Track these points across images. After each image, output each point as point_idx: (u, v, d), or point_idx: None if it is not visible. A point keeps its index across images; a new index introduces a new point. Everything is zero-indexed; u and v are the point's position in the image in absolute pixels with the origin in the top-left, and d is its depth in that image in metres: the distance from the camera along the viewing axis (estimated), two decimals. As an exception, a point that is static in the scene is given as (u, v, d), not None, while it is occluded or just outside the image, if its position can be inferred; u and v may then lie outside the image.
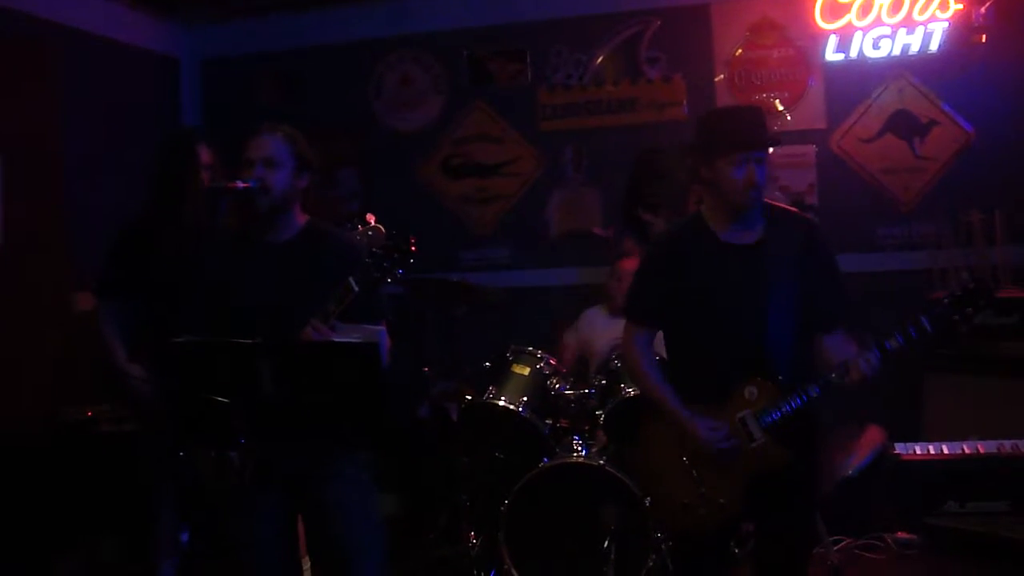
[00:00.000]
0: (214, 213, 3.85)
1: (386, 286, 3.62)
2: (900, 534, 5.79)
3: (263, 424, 3.22)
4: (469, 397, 5.55)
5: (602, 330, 5.83)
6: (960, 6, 6.43)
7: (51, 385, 5.95)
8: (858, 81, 6.77)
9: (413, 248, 3.50)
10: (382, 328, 3.68)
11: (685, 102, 7.05)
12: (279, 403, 3.20)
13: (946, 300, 3.58)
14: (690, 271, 3.77)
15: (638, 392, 5.11)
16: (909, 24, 6.56)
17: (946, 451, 4.41)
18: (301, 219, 3.77)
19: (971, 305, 3.55)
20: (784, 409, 3.63)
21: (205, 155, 4.75)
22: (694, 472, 3.77)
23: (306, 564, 4.46)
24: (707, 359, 3.77)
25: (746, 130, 3.66)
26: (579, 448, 5.22)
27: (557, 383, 5.47)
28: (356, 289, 3.44)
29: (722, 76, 7.01)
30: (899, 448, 4.64)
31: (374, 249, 3.51)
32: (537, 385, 5.46)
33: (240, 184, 3.57)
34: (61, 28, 6.53)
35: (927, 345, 3.60)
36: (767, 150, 3.69)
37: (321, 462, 3.63)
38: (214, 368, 3.26)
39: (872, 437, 5.92)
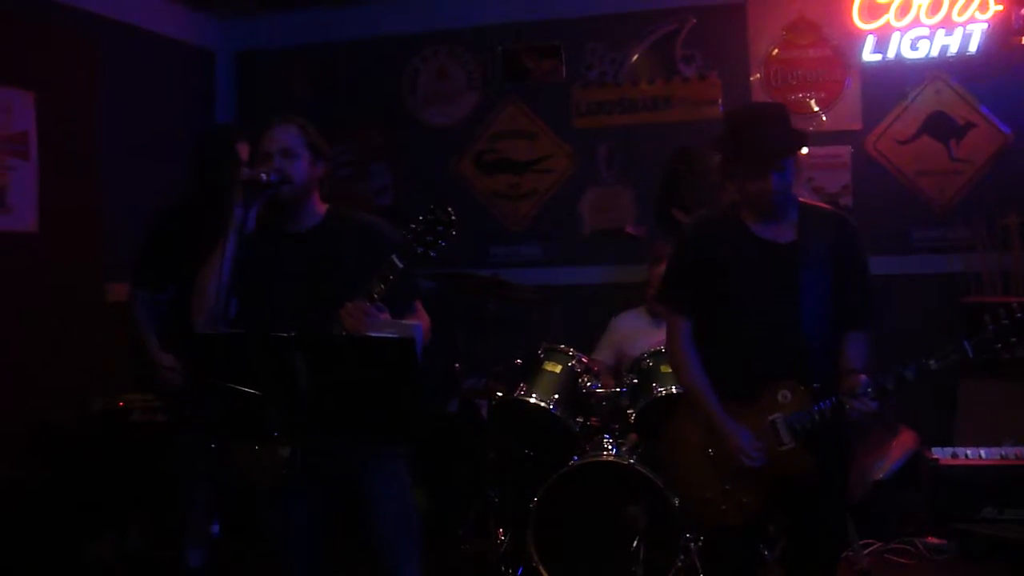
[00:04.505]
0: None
1: (425, 266, 3.63)
2: (931, 539, 5.75)
3: (298, 417, 3.21)
4: (500, 394, 5.54)
5: (644, 336, 5.77)
6: (1000, 7, 6.37)
7: (83, 374, 5.99)
8: (895, 82, 6.72)
9: (453, 218, 3.51)
10: (418, 323, 3.69)
11: (720, 101, 7.03)
12: (315, 396, 3.19)
13: (991, 328, 3.52)
14: (723, 262, 3.75)
15: (669, 392, 5.10)
16: (948, 25, 6.51)
17: (984, 456, 4.38)
18: (321, 208, 3.79)
19: (1016, 335, 3.51)
20: (814, 414, 3.61)
21: (245, 152, 4.78)
22: (719, 469, 3.75)
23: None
24: (740, 358, 3.73)
25: (765, 142, 3.61)
26: (609, 447, 5.20)
27: (588, 381, 5.45)
28: (400, 265, 3.45)
29: (758, 75, 6.98)
30: (936, 453, 4.62)
31: (412, 225, 3.52)
32: (568, 383, 5.44)
33: (263, 177, 3.57)
34: (98, 19, 6.56)
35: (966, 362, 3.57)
36: (788, 158, 3.66)
37: (357, 455, 3.64)
38: (250, 361, 3.26)
39: (904, 441, 5.89)
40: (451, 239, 3.53)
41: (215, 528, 5.14)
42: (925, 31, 6.57)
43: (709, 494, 3.78)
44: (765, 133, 3.63)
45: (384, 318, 3.48)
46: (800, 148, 3.74)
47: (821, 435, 3.63)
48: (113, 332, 6.03)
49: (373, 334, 3.40)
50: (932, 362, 3.53)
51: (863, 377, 3.57)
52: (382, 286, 3.46)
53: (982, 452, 4.45)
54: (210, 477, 4.85)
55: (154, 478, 5.43)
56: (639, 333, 5.87)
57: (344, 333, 3.43)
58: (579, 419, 5.42)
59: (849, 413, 3.57)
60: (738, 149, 3.65)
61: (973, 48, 6.49)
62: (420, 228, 3.51)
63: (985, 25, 6.44)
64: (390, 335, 3.35)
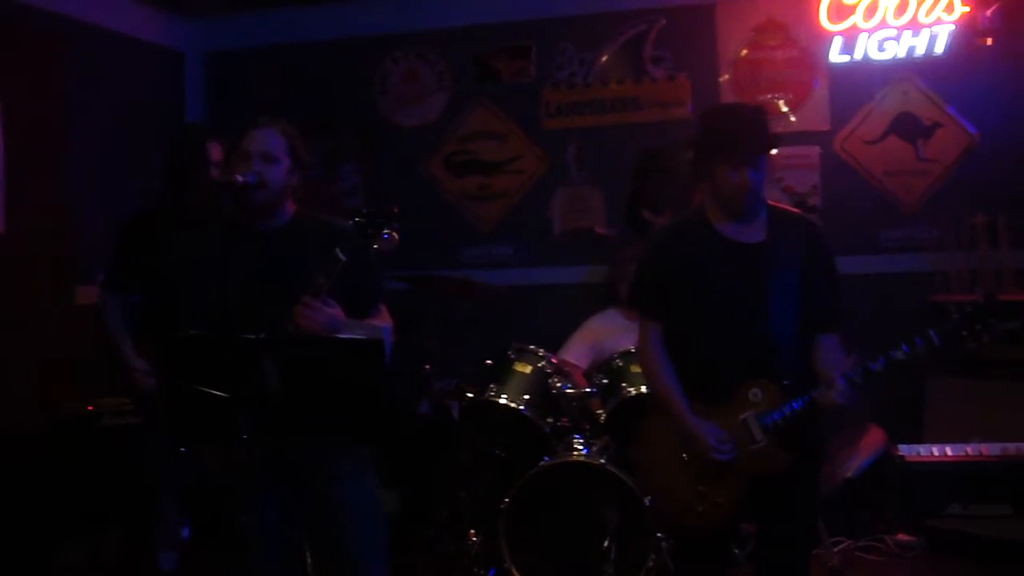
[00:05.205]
0: (220, 208, 3.87)
1: (388, 272, 3.64)
2: (900, 536, 5.79)
3: (267, 419, 3.21)
4: (470, 395, 5.53)
5: (621, 333, 5.75)
6: (966, 9, 6.42)
7: (53, 377, 5.95)
8: (862, 83, 6.76)
9: (396, 211, 3.51)
10: (387, 325, 3.69)
11: (689, 102, 7.05)
12: (283, 398, 3.19)
13: (956, 316, 3.57)
14: (690, 265, 3.78)
15: (639, 392, 5.11)
16: (914, 26, 6.56)
17: (950, 453, 4.41)
18: (291, 208, 3.78)
19: (981, 322, 3.55)
20: (785, 411, 3.64)
21: (216, 152, 4.76)
22: (693, 470, 3.77)
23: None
24: (711, 358, 3.77)
25: (742, 135, 3.65)
26: (580, 447, 5.20)
27: (558, 382, 5.46)
28: (343, 258, 3.44)
29: (727, 76, 7.00)
30: (903, 450, 4.65)
31: (357, 219, 3.52)
32: (539, 383, 5.44)
33: (239, 178, 3.57)
34: (65, 20, 6.51)
35: (932, 355, 3.61)
36: (763, 155, 3.69)
37: (325, 457, 3.63)
38: (218, 363, 3.25)
39: (873, 439, 5.93)
40: (392, 230, 3.53)
41: (185, 531, 5.12)
42: (892, 32, 6.61)
43: (685, 497, 3.79)
44: (745, 127, 3.67)
45: (335, 312, 3.48)
46: (776, 146, 3.79)
47: (792, 433, 3.66)
48: (83, 335, 5.99)
49: (342, 336, 3.41)
50: (898, 353, 3.56)
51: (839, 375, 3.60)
52: (325, 279, 3.45)
53: (948, 449, 4.48)
54: (180, 480, 4.83)
55: (125, 482, 5.40)
56: (616, 331, 5.84)
57: (294, 330, 3.42)
58: (550, 420, 5.41)
59: (825, 406, 3.59)
60: (716, 142, 3.67)
61: (940, 49, 6.54)
62: (363, 220, 3.52)
63: (951, 26, 6.50)
64: (359, 336, 3.35)
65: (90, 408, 5.68)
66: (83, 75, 6.57)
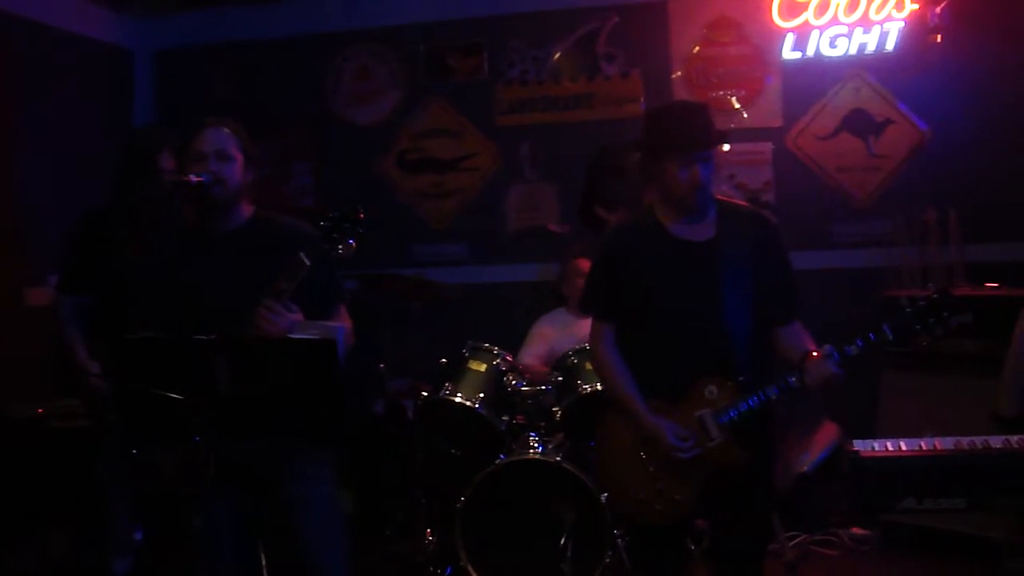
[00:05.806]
0: (175, 209, 3.84)
1: (341, 272, 3.67)
2: (855, 530, 5.84)
3: (221, 421, 3.18)
4: (425, 393, 5.52)
5: (571, 331, 5.76)
6: (916, 6, 6.46)
7: (2, 380, 5.87)
8: (815, 79, 6.79)
9: (361, 216, 3.50)
10: (340, 325, 3.67)
11: (642, 98, 7.05)
12: (235, 399, 3.16)
13: (909, 310, 3.59)
14: (642, 266, 3.78)
15: (595, 389, 5.11)
16: (865, 23, 6.59)
17: (904, 448, 4.42)
18: (248, 210, 3.78)
19: (934, 316, 3.58)
20: (741, 408, 3.65)
21: (168, 162, 4.70)
22: (651, 468, 3.77)
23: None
24: (666, 357, 3.76)
25: (690, 131, 3.67)
26: (536, 445, 5.21)
27: (514, 380, 5.46)
28: (307, 263, 3.43)
29: (679, 73, 7.01)
30: (857, 445, 4.65)
31: (321, 222, 3.50)
32: (494, 381, 5.44)
33: (193, 178, 3.55)
34: (13, 18, 6.42)
35: (886, 349, 3.64)
36: (712, 150, 3.69)
37: (284, 459, 3.61)
38: (170, 365, 3.22)
39: (828, 433, 5.96)
40: (358, 236, 3.52)
41: (138, 535, 5.07)
42: (843, 29, 6.64)
43: (643, 495, 3.80)
44: (690, 123, 3.70)
45: (296, 317, 3.46)
46: (724, 141, 3.88)
47: (747, 429, 3.67)
48: (32, 337, 5.92)
49: (294, 335, 3.38)
50: (852, 347, 3.58)
51: (827, 346, 3.62)
52: (288, 284, 3.43)
53: (902, 444, 4.48)
54: (132, 483, 4.78)
55: (76, 485, 5.35)
56: (564, 331, 5.86)
57: (254, 333, 3.40)
58: (505, 417, 5.41)
59: (816, 384, 3.60)
60: (664, 141, 3.67)
61: (890, 46, 6.58)
62: (328, 225, 3.50)
63: (901, 23, 6.53)
64: (311, 336, 3.33)
65: (40, 411, 5.61)
66: (31, 74, 6.49)
